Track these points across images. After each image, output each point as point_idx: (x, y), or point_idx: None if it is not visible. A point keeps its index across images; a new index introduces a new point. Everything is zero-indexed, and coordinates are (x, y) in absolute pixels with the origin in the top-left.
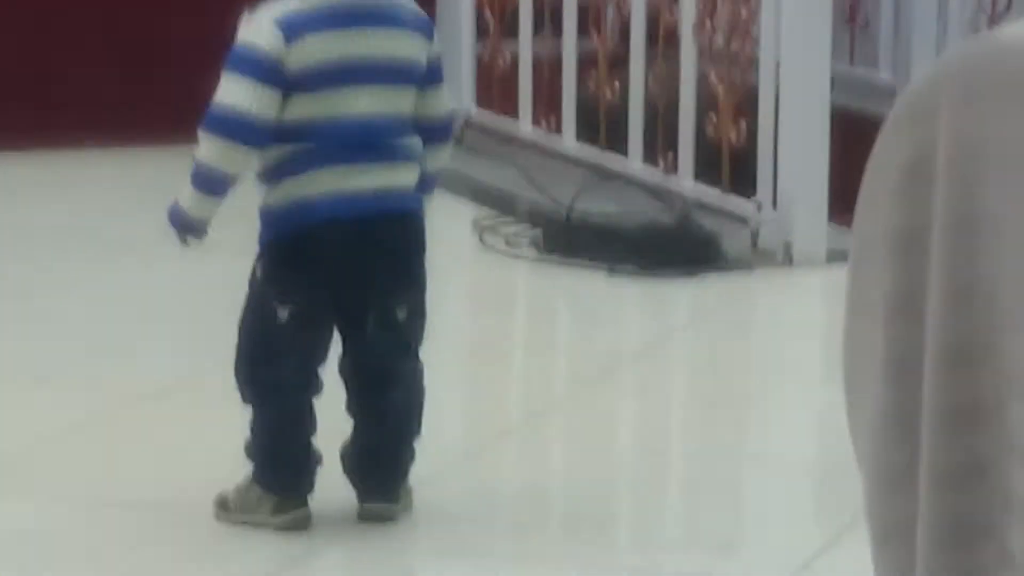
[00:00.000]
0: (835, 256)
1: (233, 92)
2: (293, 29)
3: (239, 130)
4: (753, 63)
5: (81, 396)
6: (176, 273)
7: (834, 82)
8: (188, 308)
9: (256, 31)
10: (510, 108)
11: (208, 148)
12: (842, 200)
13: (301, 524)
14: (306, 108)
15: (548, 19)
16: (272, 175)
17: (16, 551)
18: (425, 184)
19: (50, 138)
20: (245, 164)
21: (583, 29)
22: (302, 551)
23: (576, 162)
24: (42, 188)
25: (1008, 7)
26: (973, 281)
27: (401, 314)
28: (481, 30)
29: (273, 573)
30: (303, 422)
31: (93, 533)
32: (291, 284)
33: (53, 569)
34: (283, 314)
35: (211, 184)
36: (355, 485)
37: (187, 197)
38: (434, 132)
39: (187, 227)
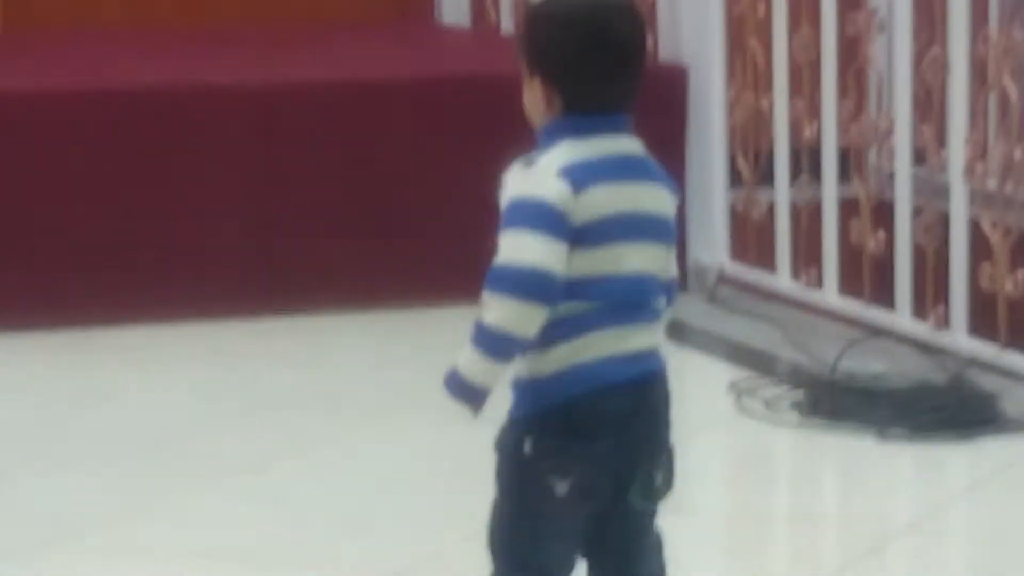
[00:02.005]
0: None
1: (526, 248)
2: (579, 179)
3: (538, 289)
4: None
5: None
6: (418, 441)
7: None
8: (430, 479)
9: (541, 182)
10: (767, 260)
11: (502, 310)
12: None
13: None
14: (583, 265)
15: (806, 164)
16: (541, 340)
17: None
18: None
19: (288, 304)
20: (539, 326)
21: (844, 174)
22: None
23: (839, 318)
24: (281, 356)
25: None
26: None
27: (659, 479)
28: (734, 178)
29: None
30: None
31: None
32: (571, 456)
33: None
34: (562, 489)
35: (502, 349)
36: None
37: (471, 363)
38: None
39: (469, 395)
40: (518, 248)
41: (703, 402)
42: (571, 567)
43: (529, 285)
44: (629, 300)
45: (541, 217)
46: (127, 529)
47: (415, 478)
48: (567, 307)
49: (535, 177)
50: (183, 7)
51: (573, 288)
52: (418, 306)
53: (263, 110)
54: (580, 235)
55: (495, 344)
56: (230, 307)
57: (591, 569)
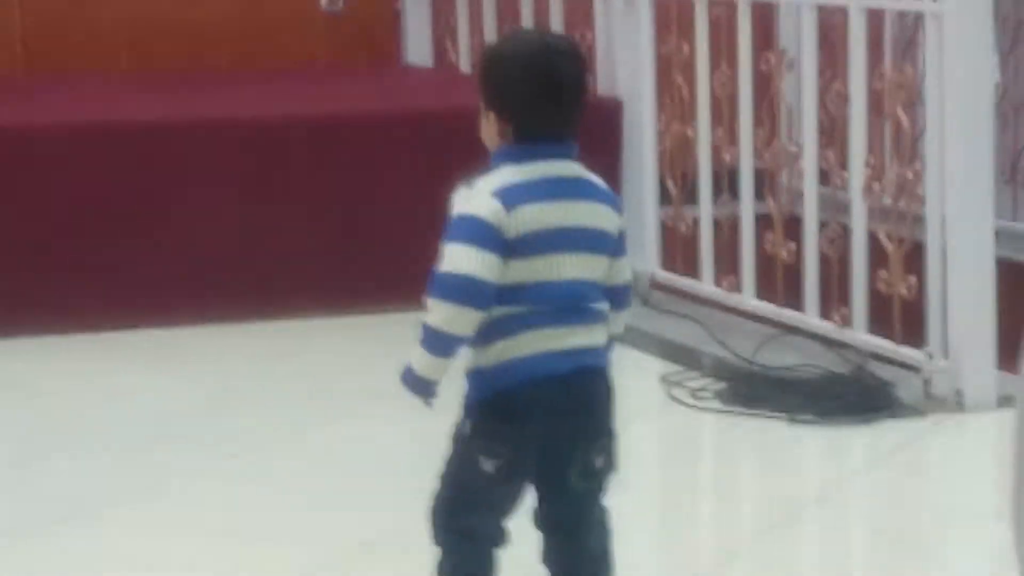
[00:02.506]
0: (1005, 401)
1: (461, 260)
2: (511, 200)
3: (470, 295)
4: (920, 221)
5: (298, 550)
6: (384, 430)
7: (997, 236)
8: (393, 462)
9: (477, 202)
10: (692, 269)
11: (439, 313)
12: (1010, 347)
13: None
14: (519, 273)
15: (726, 185)
16: (484, 337)
17: None
18: (607, 346)
19: (273, 310)
20: (474, 326)
21: (759, 193)
22: None
23: (756, 318)
24: (267, 355)
25: None
26: None
27: (599, 463)
28: (664, 197)
29: None
30: (487, 571)
31: None
32: (499, 439)
33: None
34: (489, 467)
35: (442, 346)
36: None
37: (418, 360)
38: (617, 299)
39: (420, 388)
40: (454, 259)
41: (637, 392)
42: (499, 534)
43: (462, 291)
44: (564, 303)
45: (475, 232)
46: (134, 507)
47: (380, 462)
48: (506, 309)
49: (473, 198)
50: (180, 52)
51: (511, 292)
52: (386, 310)
53: (250, 141)
54: (514, 247)
55: (435, 342)
56: (223, 313)
57: (544, 542)
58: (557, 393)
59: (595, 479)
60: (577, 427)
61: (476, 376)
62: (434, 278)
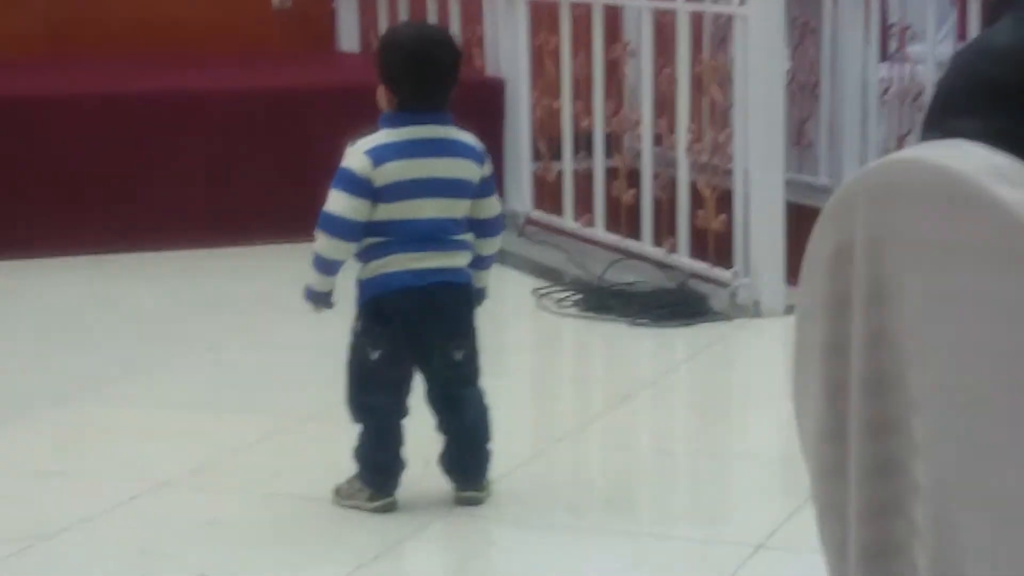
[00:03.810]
0: (791, 309)
1: (337, 203)
2: (379, 157)
3: (341, 231)
4: (729, 173)
5: (255, 419)
6: (325, 330)
7: (786, 185)
8: (329, 355)
9: (354, 158)
10: (557, 209)
11: (321, 243)
12: (795, 269)
13: (388, 509)
14: (387, 212)
15: (583, 144)
16: (364, 257)
17: (209, 530)
18: (482, 263)
19: (238, 238)
20: (347, 253)
21: (608, 152)
22: (421, 522)
23: (605, 246)
24: (233, 272)
25: (909, 131)
26: (883, 331)
27: (458, 355)
28: (536, 154)
29: (408, 535)
30: (392, 437)
31: (262, 517)
32: (378, 334)
33: (234, 544)
34: (374, 356)
35: (326, 267)
36: (451, 480)
37: (312, 277)
38: (486, 228)
39: (315, 299)
40: (332, 201)
41: (514, 302)
42: (399, 408)
43: (336, 227)
44: (423, 235)
45: (348, 181)
46: (127, 386)
47: (319, 354)
48: (378, 239)
49: (352, 154)
50: (165, 41)
51: (381, 227)
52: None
53: (220, 108)
54: (381, 193)
55: (318, 264)
56: (198, 240)
57: (435, 417)
58: (414, 301)
59: (457, 368)
60: (433, 327)
61: (360, 285)
62: (320, 215)
